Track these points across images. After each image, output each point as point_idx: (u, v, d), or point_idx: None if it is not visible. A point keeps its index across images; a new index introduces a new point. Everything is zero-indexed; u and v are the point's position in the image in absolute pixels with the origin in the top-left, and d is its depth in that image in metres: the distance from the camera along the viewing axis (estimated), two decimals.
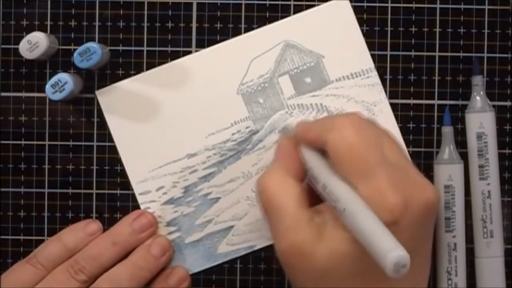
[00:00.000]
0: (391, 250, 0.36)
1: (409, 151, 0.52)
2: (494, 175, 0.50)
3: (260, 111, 0.52)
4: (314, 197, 0.44)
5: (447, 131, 0.51)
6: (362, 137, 0.42)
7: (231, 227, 0.52)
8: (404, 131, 0.52)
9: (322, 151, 0.44)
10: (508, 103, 0.52)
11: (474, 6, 0.52)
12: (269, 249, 0.52)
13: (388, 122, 0.52)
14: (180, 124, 0.52)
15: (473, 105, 0.51)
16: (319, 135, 0.43)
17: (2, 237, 0.52)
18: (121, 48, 0.52)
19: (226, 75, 0.52)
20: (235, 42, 0.52)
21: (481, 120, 0.50)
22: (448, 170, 0.50)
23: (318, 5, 0.52)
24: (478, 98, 0.51)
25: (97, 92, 0.52)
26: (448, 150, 0.51)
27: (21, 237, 0.52)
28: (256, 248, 0.52)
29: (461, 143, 0.52)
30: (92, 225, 0.51)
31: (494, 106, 0.52)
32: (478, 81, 0.51)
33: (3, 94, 0.52)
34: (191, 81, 0.52)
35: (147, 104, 0.52)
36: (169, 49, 0.52)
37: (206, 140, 0.52)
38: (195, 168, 0.52)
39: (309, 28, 0.52)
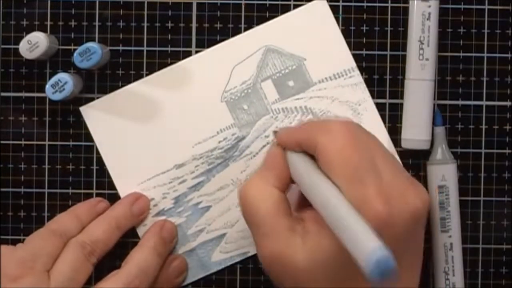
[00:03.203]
0: (373, 249, 0.35)
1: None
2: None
3: (245, 117, 0.52)
4: (304, 205, 0.44)
5: (439, 131, 0.51)
6: (354, 142, 0.42)
7: (224, 234, 0.52)
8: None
9: (310, 156, 0.44)
10: (508, 103, 0.52)
11: (474, 6, 0.52)
12: None
13: (373, 120, 0.52)
14: (166, 135, 0.52)
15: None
16: (310, 136, 0.43)
17: (2, 237, 0.52)
18: (121, 48, 0.52)
19: (209, 84, 0.52)
20: (215, 50, 0.52)
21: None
22: (442, 170, 0.50)
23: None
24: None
25: (81, 109, 0.52)
26: (440, 150, 0.51)
27: (21, 237, 0.52)
28: (249, 255, 0.52)
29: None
30: (102, 204, 0.51)
31: (494, 106, 0.52)
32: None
33: (3, 94, 0.52)
34: (174, 92, 0.52)
35: (132, 117, 0.52)
36: (169, 49, 0.52)
37: (193, 150, 0.52)
38: (184, 178, 0.52)
39: (289, 31, 0.52)
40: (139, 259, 0.48)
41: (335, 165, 0.41)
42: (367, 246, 0.35)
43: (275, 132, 0.48)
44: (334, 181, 0.41)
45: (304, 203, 0.44)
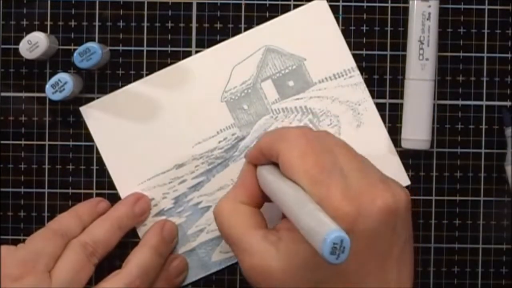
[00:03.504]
0: (328, 231, 0.35)
1: (409, 151, 0.52)
2: None
3: (245, 117, 0.52)
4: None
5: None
6: (313, 145, 0.42)
7: None
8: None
9: (276, 165, 0.44)
10: (508, 103, 0.52)
11: (474, 6, 0.52)
12: None
13: (373, 120, 0.52)
14: (166, 135, 0.52)
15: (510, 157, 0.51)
16: (271, 146, 0.44)
17: (2, 237, 0.52)
18: (121, 48, 0.52)
19: (209, 84, 0.52)
20: (215, 50, 0.52)
21: None
22: None
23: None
24: None
25: (81, 109, 0.52)
26: None
27: (21, 237, 0.52)
28: None
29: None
30: (103, 204, 0.51)
31: (494, 106, 0.52)
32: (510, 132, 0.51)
33: (3, 94, 0.52)
34: (174, 92, 0.52)
35: (132, 117, 0.52)
36: (169, 49, 0.52)
37: (193, 150, 0.52)
38: (184, 178, 0.52)
39: (289, 31, 0.52)
40: (140, 259, 0.49)
41: (296, 170, 0.42)
42: (323, 229, 0.36)
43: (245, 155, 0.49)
44: (299, 185, 0.41)
45: (275, 217, 0.45)
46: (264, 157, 0.45)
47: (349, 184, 0.41)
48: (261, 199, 0.46)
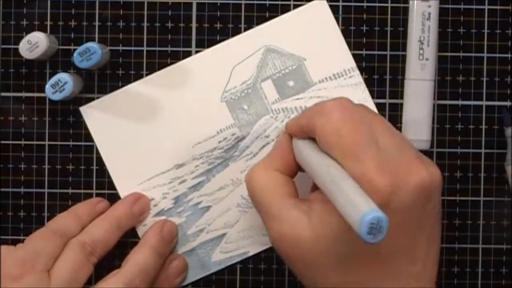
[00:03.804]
0: (367, 210, 0.35)
1: None
2: None
3: (245, 117, 0.52)
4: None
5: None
6: (349, 119, 0.42)
7: (224, 234, 0.52)
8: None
9: (314, 140, 0.44)
10: (508, 103, 0.52)
11: (474, 6, 0.52)
12: (269, 249, 0.52)
13: None
14: (166, 135, 0.52)
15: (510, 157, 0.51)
16: (309, 121, 0.43)
17: (2, 237, 0.52)
18: (121, 48, 0.52)
19: (209, 84, 0.52)
20: (215, 50, 0.52)
21: None
22: None
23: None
24: None
25: (81, 109, 0.52)
26: None
27: (21, 237, 0.52)
28: (249, 255, 0.52)
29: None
30: (102, 204, 0.51)
31: (494, 106, 0.52)
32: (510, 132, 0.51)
33: (3, 94, 0.52)
34: (174, 92, 0.52)
35: (132, 117, 0.52)
36: (169, 49, 0.52)
37: (193, 150, 0.52)
38: (184, 178, 0.52)
39: (289, 31, 0.52)
40: (140, 258, 0.48)
41: (333, 144, 0.41)
42: (361, 208, 0.36)
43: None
44: (335, 159, 0.41)
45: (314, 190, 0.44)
46: (302, 132, 0.45)
47: (385, 159, 0.40)
48: (295, 169, 0.46)
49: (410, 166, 0.41)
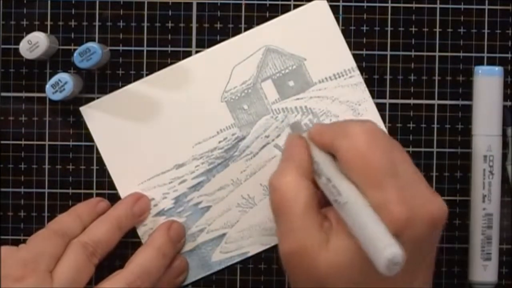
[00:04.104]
0: (387, 246, 0.37)
1: (409, 151, 0.52)
2: None
3: (245, 117, 0.52)
4: (323, 202, 0.44)
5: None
6: (374, 146, 0.41)
7: (224, 235, 0.52)
8: (404, 131, 0.52)
9: (333, 155, 0.44)
10: (508, 103, 0.52)
11: (474, 6, 0.52)
12: (269, 249, 0.52)
13: (373, 120, 0.52)
14: (166, 135, 0.52)
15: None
16: (332, 141, 0.43)
17: (2, 237, 0.52)
18: (121, 48, 0.52)
19: (209, 84, 0.52)
20: (215, 50, 0.52)
21: None
22: None
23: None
24: None
25: (81, 109, 0.52)
26: None
27: (21, 237, 0.52)
28: (249, 255, 0.52)
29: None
30: (103, 204, 0.51)
31: None
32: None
33: (3, 94, 0.52)
34: (174, 92, 0.52)
35: (132, 117, 0.52)
36: (169, 49, 0.52)
37: (193, 150, 0.52)
38: (184, 178, 0.52)
39: (289, 31, 0.52)
40: (143, 259, 0.49)
41: (355, 169, 0.41)
42: (382, 243, 0.37)
43: (292, 125, 0.50)
44: (355, 182, 0.41)
45: (322, 200, 0.44)
46: (323, 149, 0.44)
47: (404, 188, 0.40)
48: (311, 177, 0.44)
49: (424, 198, 0.41)
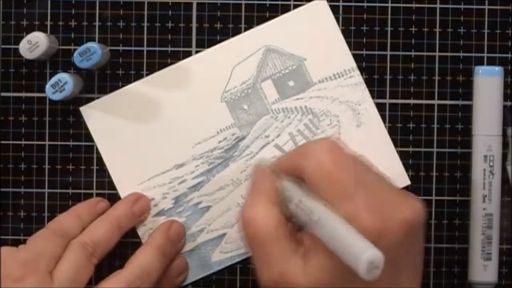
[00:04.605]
0: (365, 250, 0.37)
1: (409, 152, 0.52)
2: None
3: (245, 117, 0.52)
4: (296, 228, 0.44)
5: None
6: (337, 161, 0.42)
7: (224, 234, 0.52)
8: (404, 131, 0.52)
9: (300, 179, 0.44)
10: (508, 103, 0.52)
11: (474, 6, 0.52)
12: None
13: (373, 120, 0.52)
14: (166, 135, 0.52)
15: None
16: (296, 165, 0.43)
17: (2, 237, 0.52)
18: (121, 48, 0.52)
19: (209, 84, 0.52)
20: (215, 50, 0.52)
21: None
22: None
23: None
24: None
25: (81, 109, 0.52)
26: None
27: (21, 237, 0.52)
28: (250, 255, 0.52)
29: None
30: (103, 204, 0.51)
31: None
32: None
33: (3, 94, 0.52)
34: (174, 92, 0.52)
35: (132, 117, 0.52)
36: (169, 49, 0.52)
37: (193, 150, 0.52)
38: (184, 178, 0.52)
39: (289, 31, 0.52)
40: (142, 259, 0.49)
41: (323, 186, 0.41)
42: (359, 249, 0.37)
43: (258, 162, 0.49)
44: (325, 199, 0.41)
45: (295, 227, 0.44)
46: (289, 175, 0.44)
47: (373, 197, 0.41)
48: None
49: (395, 204, 0.41)
